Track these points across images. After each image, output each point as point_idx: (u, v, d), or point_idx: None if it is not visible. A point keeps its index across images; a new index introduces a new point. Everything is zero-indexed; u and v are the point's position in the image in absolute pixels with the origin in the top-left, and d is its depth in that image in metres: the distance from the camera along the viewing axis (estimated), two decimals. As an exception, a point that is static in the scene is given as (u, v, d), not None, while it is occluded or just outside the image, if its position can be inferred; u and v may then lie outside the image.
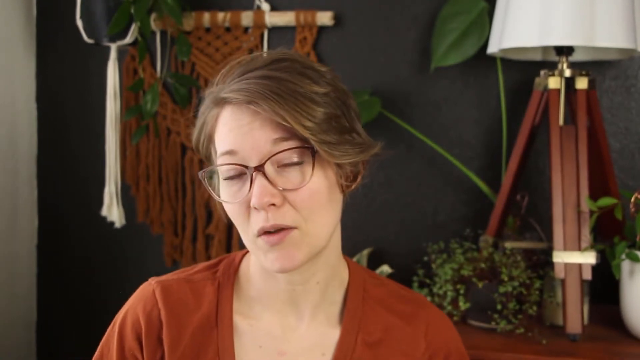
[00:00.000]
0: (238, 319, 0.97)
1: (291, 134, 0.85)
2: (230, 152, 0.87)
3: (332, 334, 0.97)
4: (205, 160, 0.95)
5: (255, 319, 0.97)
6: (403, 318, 1.01)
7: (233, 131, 0.87)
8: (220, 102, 0.89)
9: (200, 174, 0.92)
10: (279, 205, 0.86)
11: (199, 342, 0.95)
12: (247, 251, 1.02)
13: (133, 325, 0.97)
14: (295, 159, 0.87)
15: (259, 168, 0.85)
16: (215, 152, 0.91)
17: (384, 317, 1.00)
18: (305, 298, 0.96)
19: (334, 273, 0.98)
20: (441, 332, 1.03)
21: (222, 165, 0.88)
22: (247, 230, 0.89)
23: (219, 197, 0.92)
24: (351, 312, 0.98)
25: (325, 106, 0.87)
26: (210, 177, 0.94)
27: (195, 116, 0.95)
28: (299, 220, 0.87)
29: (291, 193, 0.86)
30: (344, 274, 1.01)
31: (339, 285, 0.99)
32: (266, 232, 0.87)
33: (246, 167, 0.86)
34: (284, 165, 0.87)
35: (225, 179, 0.89)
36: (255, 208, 0.86)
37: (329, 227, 0.91)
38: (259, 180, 0.85)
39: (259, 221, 0.86)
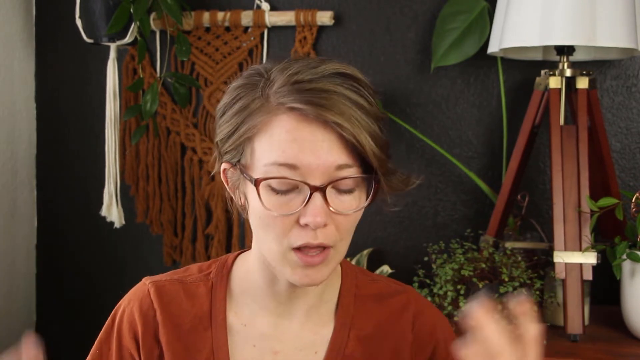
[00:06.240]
0: (231, 319, 0.98)
1: (354, 162, 0.85)
2: (290, 166, 0.85)
3: (325, 332, 0.98)
4: (220, 153, 0.92)
5: (248, 318, 0.98)
6: (394, 312, 1.02)
7: (297, 144, 0.84)
8: (282, 107, 0.85)
9: (230, 172, 0.90)
10: (327, 225, 0.86)
11: (193, 342, 0.97)
12: (240, 252, 1.03)
13: (130, 325, 0.98)
14: (352, 186, 0.87)
15: (321, 189, 0.85)
16: (251, 152, 0.87)
17: (376, 313, 1.01)
18: (303, 299, 0.97)
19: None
20: (427, 323, 1.03)
21: (280, 179, 0.85)
22: (281, 242, 0.87)
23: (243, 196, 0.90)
24: (344, 308, 0.99)
25: (384, 132, 0.87)
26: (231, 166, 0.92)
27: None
28: (336, 240, 0.88)
29: (339, 216, 0.87)
30: (337, 273, 1.02)
31: (332, 284, 1.00)
32: (300, 250, 0.87)
33: (307, 184, 0.85)
34: (339, 190, 0.87)
35: (272, 189, 0.87)
36: (305, 225, 0.85)
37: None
38: (317, 200, 0.85)
39: (303, 237, 0.86)
